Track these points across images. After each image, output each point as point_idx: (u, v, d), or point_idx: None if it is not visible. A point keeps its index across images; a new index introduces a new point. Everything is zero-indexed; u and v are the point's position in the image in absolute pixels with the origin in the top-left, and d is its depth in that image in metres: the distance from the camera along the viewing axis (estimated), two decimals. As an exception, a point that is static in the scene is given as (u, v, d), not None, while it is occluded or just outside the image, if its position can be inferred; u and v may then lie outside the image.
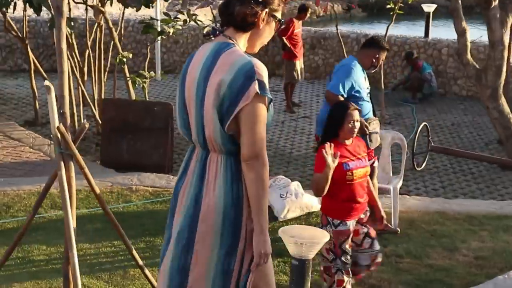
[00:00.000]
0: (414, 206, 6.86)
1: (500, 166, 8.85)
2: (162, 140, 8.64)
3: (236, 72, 2.79)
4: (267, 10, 2.95)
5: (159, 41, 14.11)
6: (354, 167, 4.55)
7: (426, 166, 9.13)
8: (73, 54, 9.57)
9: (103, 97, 9.77)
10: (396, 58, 13.66)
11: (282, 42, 11.93)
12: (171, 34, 8.98)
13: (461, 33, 9.08)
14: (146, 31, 9.16)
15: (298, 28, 11.84)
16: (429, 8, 13.66)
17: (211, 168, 2.93)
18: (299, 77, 11.93)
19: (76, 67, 9.59)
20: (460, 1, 9.14)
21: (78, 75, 9.46)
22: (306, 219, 6.50)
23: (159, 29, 8.92)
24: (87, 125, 4.00)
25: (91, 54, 9.67)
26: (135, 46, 14.88)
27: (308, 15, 12.23)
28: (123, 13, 10.22)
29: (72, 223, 3.89)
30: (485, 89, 8.92)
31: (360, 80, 5.89)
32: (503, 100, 8.94)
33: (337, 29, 11.81)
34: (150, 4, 8.22)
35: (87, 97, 9.72)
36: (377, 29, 21.91)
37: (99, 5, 8.77)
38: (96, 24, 9.51)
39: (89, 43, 9.74)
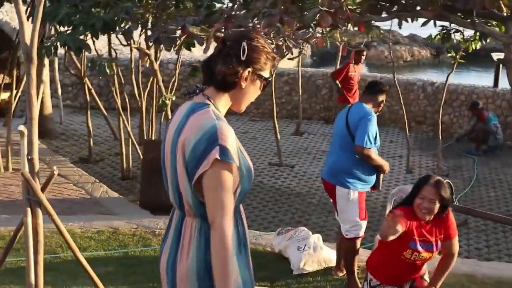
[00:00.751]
0: (441, 266, 6.47)
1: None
2: (200, 184, 8.56)
3: (200, 136, 2.67)
4: (250, 69, 2.79)
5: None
6: (421, 250, 4.41)
7: (475, 223, 8.70)
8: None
9: (153, 137, 9.84)
10: (463, 108, 13.21)
11: (336, 85, 11.89)
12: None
13: (515, 85, 8.63)
14: (193, 74, 9.19)
15: (354, 72, 11.68)
16: (498, 56, 13.16)
17: (186, 233, 2.81)
18: None
19: (126, 107, 9.73)
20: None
21: (122, 115, 9.56)
22: (324, 274, 6.25)
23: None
24: (56, 172, 3.94)
25: (141, 95, 9.79)
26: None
27: (363, 58, 12.03)
28: (179, 54, 10.29)
29: (34, 271, 3.82)
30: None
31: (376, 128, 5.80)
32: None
33: (394, 76, 11.51)
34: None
35: (132, 137, 9.79)
36: (463, 77, 21.46)
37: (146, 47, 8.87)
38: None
39: (134, 84, 9.85)
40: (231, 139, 2.68)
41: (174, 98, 9.16)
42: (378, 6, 8.70)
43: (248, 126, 13.86)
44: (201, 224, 2.76)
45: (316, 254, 6.30)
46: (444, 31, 10.21)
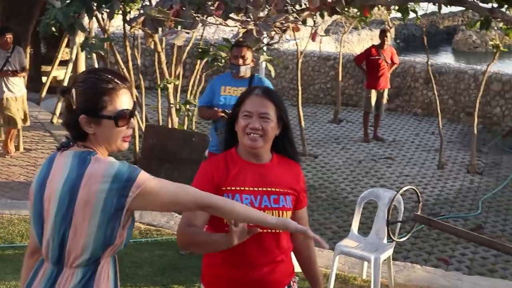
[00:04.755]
0: (417, 279, 5.86)
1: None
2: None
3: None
4: (83, 116, 2.53)
5: (263, 66, 13.74)
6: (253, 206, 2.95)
7: (490, 229, 7.95)
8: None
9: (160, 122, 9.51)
10: (515, 100, 12.25)
11: (361, 69, 11.41)
12: (224, 61, 8.59)
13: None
14: (200, 57, 8.81)
15: (377, 55, 10.97)
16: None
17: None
18: (373, 108, 11.25)
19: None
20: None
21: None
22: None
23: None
24: None
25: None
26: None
27: (388, 39, 11.24)
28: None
29: None
30: None
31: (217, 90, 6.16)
32: None
33: (428, 63, 10.71)
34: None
35: (139, 119, 9.44)
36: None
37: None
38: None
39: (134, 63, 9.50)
40: None
41: (177, 82, 8.80)
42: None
43: (288, 111, 13.29)
44: (85, 272, 2.58)
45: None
46: (483, 17, 9.40)
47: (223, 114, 5.87)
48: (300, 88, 10.62)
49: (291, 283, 3.15)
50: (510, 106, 12.34)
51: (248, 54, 6.18)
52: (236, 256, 2.96)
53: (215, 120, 6.09)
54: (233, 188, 2.97)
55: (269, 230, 2.93)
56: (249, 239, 2.83)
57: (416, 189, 5.22)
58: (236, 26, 7.04)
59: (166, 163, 8.35)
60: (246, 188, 2.97)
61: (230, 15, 7.21)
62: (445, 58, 26.15)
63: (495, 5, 7.95)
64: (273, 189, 3.01)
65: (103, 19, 8.65)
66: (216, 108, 6.02)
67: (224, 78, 6.33)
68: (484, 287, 5.80)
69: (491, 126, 12.44)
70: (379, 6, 9.27)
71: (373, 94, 11.13)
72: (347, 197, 8.86)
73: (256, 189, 2.98)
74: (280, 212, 2.99)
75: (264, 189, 2.99)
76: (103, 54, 7.98)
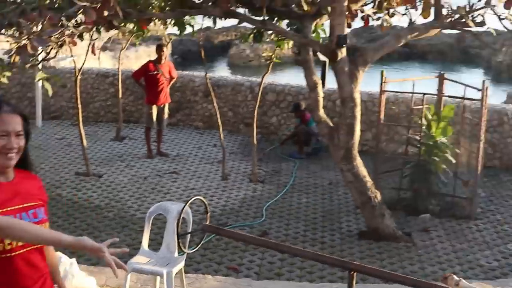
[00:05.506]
0: (209, 289, 5.94)
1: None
2: None
3: None
4: None
5: (39, 85, 13.27)
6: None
7: (274, 234, 8.26)
8: None
9: None
10: (290, 109, 12.82)
11: (139, 85, 11.40)
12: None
13: (312, 87, 8.31)
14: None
15: (156, 70, 11.00)
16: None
17: None
18: (154, 123, 11.28)
19: None
20: (311, 53, 8.35)
21: None
22: (74, 305, 5.55)
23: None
24: None
25: None
26: (20, 89, 13.99)
27: (164, 53, 11.24)
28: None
29: None
30: (338, 150, 8.08)
31: None
32: (358, 162, 8.08)
33: (206, 76, 10.96)
34: None
35: None
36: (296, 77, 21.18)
37: None
38: None
39: None
40: None
41: None
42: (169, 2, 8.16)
43: (68, 131, 12.96)
44: None
45: (67, 283, 5.58)
46: (256, 30, 9.74)
47: None
48: (80, 106, 10.36)
49: None
50: (285, 115, 12.92)
51: None
52: (2, 285, 2.85)
53: None
54: None
55: (34, 246, 2.89)
56: (16, 261, 2.84)
57: (204, 200, 5.29)
58: (8, 42, 6.76)
59: None
60: (5, 209, 2.86)
61: (1, 31, 6.93)
62: (222, 72, 26.81)
63: (267, 17, 8.39)
64: (29, 204, 2.97)
65: None
66: None
67: None
68: (272, 290, 6.00)
69: (269, 135, 12.95)
70: (156, 21, 9.36)
71: (154, 110, 11.12)
72: (134, 215, 8.77)
73: (13, 208, 2.90)
74: (42, 226, 2.95)
75: (21, 206, 2.95)
76: None
